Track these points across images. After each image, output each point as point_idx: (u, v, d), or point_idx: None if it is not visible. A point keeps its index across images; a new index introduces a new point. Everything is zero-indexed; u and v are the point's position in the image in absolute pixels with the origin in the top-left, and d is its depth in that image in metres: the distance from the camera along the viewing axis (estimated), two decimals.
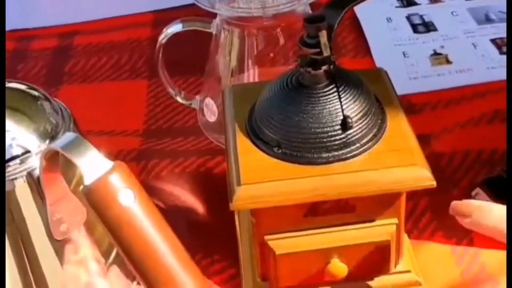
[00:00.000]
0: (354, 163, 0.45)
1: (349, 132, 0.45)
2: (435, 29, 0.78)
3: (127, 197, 0.37)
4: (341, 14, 0.46)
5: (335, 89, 0.45)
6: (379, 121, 0.47)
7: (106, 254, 0.49)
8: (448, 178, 0.58)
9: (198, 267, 0.52)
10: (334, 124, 0.45)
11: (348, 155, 0.45)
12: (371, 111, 0.46)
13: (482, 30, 0.77)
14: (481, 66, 0.71)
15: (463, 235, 0.53)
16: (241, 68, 0.62)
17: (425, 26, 0.79)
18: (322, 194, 0.44)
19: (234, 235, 0.54)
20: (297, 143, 0.45)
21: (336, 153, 0.45)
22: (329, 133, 0.45)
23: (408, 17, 0.80)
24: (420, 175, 0.44)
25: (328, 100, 0.45)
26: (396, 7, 0.83)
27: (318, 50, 0.44)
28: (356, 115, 0.45)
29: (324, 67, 0.45)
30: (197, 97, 0.67)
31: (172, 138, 0.67)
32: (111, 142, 0.66)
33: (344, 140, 0.45)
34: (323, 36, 0.44)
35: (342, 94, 0.45)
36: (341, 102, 0.45)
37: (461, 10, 0.80)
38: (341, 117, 0.45)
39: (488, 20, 0.78)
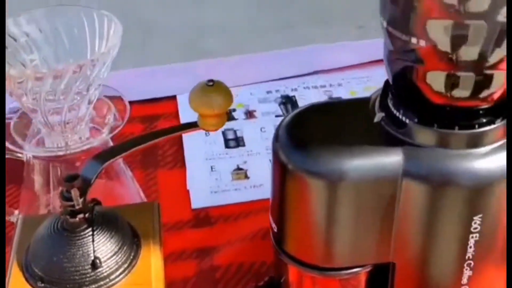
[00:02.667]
0: None
1: (98, 270, 0.54)
2: (244, 145, 0.88)
3: None
4: (99, 168, 0.56)
5: (91, 233, 0.55)
6: (131, 257, 0.56)
7: None
8: None
9: None
10: (85, 264, 0.54)
11: None
12: (123, 249, 0.56)
13: None
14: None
15: None
16: (48, 194, 0.71)
17: (236, 141, 0.89)
18: None
19: None
20: (56, 280, 0.54)
21: None
22: (81, 272, 0.54)
23: (224, 132, 0.91)
24: None
25: (83, 243, 0.55)
26: None
27: (72, 203, 0.54)
28: (107, 255, 0.55)
29: (80, 216, 0.55)
30: (16, 212, 0.75)
31: None
32: None
33: (94, 277, 0.54)
34: (75, 194, 0.54)
35: (96, 237, 0.55)
36: (93, 245, 0.55)
37: (269, 127, 0.90)
38: (92, 258, 0.54)
39: None
